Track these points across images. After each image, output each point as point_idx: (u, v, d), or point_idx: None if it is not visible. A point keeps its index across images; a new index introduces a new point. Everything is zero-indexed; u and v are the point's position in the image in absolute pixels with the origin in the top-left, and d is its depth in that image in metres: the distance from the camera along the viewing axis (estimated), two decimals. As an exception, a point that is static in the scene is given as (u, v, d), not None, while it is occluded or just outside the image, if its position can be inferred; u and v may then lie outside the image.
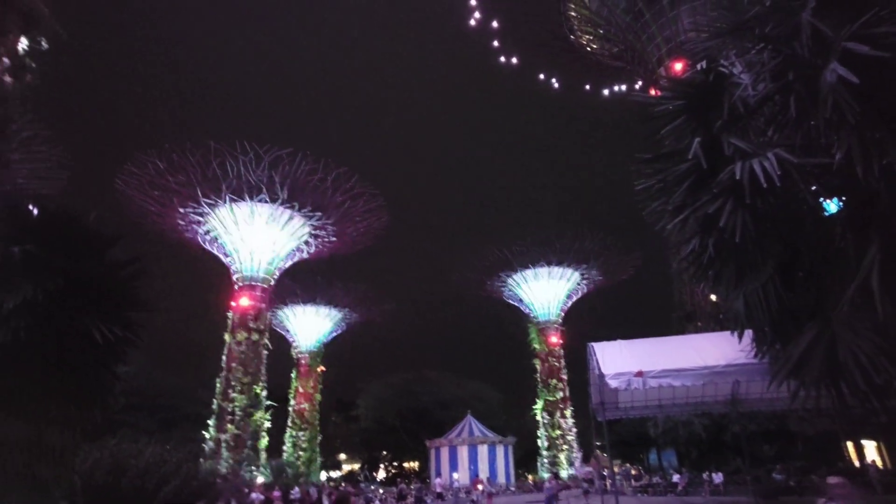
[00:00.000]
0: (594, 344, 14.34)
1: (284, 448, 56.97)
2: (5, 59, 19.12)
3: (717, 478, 34.51)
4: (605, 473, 38.10)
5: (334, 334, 63.22)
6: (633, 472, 50.35)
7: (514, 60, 58.41)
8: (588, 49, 59.39)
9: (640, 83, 59.43)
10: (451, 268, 61.97)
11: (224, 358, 43.82)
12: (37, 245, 9.70)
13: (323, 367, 62.64)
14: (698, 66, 8.42)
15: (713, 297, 53.76)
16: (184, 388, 61.05)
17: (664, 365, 12.15)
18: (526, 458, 63.33)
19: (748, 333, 8.62)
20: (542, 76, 60.73)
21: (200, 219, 45.34)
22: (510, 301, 63.21)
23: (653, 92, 45.46)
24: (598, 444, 45.25)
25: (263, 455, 43.45)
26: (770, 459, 36.75)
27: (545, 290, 60.05)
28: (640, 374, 12.13)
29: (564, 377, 58.50)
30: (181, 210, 44.82)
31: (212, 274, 50.22)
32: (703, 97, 7.95)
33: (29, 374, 9.60)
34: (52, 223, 10.24)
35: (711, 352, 12.13)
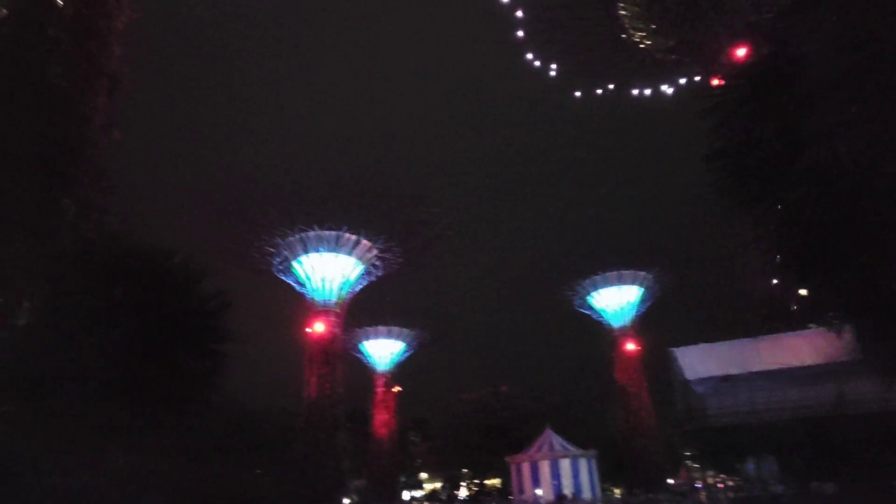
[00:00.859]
0: (676, 349, 13.73)
1: (365, 469, 57.92)
2: (99, 118, 21.08)
3: (829, 488, 31.63)
4: (697, 485, 36.00)
5: (407, 354, 64.02)
6: (729, 482, 47.33)
7: (554, 69, 57.71)
8: (641, 47, 57.90)
9: (698, 76, 57.18)
10: (520, 279, 61.39)
11: (303, 382, 45.34)
12: (133, 286, 10.52)
13: (399, 387, 63.47)
14: (763, 50, 8.00)
15: (803, 292, 50.16)
16: (269, 412, 63.56)
17: (755, 367, 11.44)
18: (610, 471, 61.00)
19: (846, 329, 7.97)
20: (592, 87, 59.67)
21: (273, 249, 47.53)
22: (582, 310, 61.75)
23: (714, 82, 43.52)
24: (687, 454, 42.95)
25: (346, 477, 44.35)
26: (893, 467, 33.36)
27: (616, 297, 58.23)
28: (728, 378, 11.47)
29: (645, 385, 56.20)
30: (255, 243, 47.19)
31: (288, 302, 52.33)
32: (771, 81, 7.55)
33: (133, 407, 10.35)
34: (145, 264, 11.07)
35: (807, 351, 11.31)
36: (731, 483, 47.29)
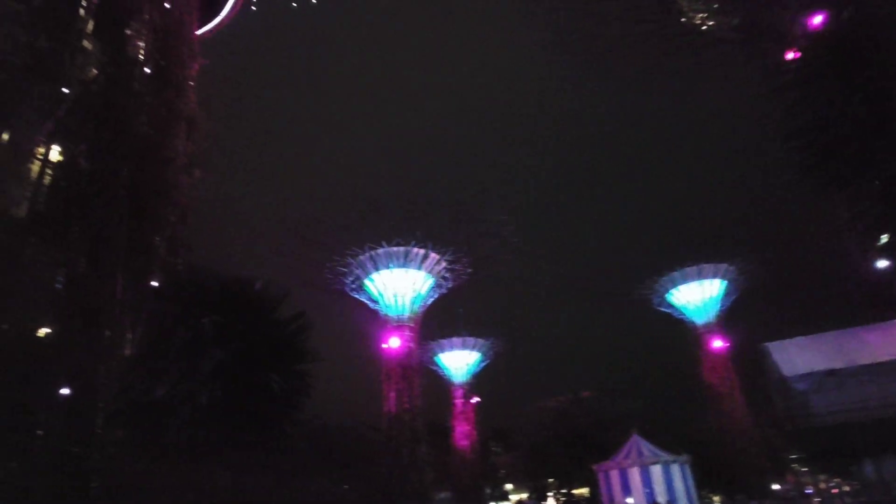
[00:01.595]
0: (770, 344, 12.82)
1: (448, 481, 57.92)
2: (180, 160, 22.75)
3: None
4: (807, 491, 33.20)
5: (483, 364, 63.76)
6: (845, 487, 43.42)
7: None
8: (703, 29, 55.33)
9: (769, 53, 53.70)
10: (594, 281, 59.79)
11: (382, 397, 46.16)
12: (220, 314, 11.15)
13: (477, 398, 63.26)
14: (843, 15, 7.39)
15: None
16: (352, 428, 65.16)
17: (864, 359, 10.46)
18: (705, 477, 57.62)
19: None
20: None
21: (345, 269, 48.97)
22: (662, 309, 59.16)
23: (789, 56, 40.76)
24: (792, 456, 39.76)
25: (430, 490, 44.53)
26: None
27: (698, 292, 55.38)
28: (833, 372, 10.57)
29: (737, 384, 52.86)
30: (328, 265, 48.82)
31: (363, 319, 53.59)
32: (853, 47, 6.96)
33: (227, 428, 10.93)
34: (229, 293, 11.72)
35: (923, 338, 10.20)
36: (847, 488, 43.35)
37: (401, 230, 46.30)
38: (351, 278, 50.30)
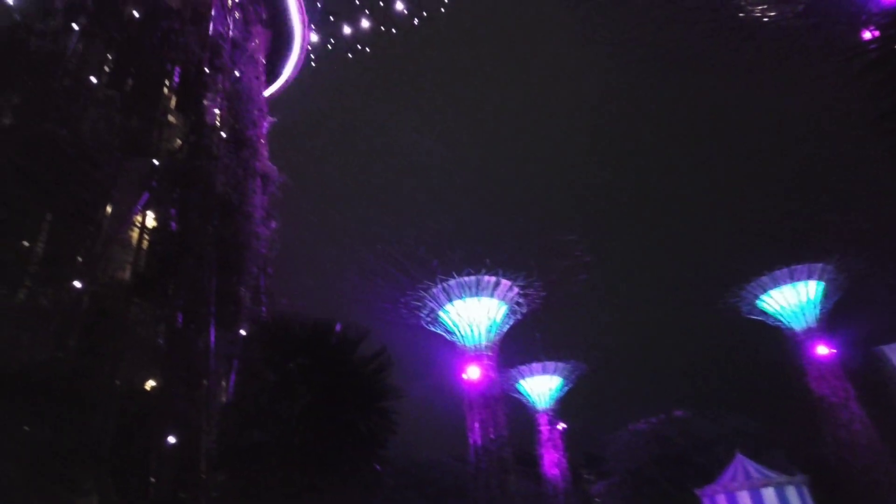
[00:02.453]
0: (886, 347, 11.63)
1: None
2: (258, 213, 24.29)
3: None
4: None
5: (567, 388, 62.03)
6: None
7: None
8: (765, 20, 52.87)
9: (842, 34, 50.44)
10: (675, 293, 57.12)
11: (467, 428, 45.85)
12: (305, 358, 11.65)
13: (564, 424, 61.41)
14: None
15: None
16: (439, 462, 64.92)
17: None
18: (827, 499, 52.45)
19: None
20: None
21: (419, 303, 49.66)
22: (753, 317, 55.42)
23: (867, 35, 38.05)
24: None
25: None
26: None
27: (792, 296, 51.49)
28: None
29: (852, 393, 48.19)
30: (402, 299, 49.72)
31: (441, 351, 53.87)
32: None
33: (319, 468, 11.27)
34: (312, 337, 12.25)
35: None
36: None
37: (471, 260, 46.59)
38: (426, 311, 50.86)
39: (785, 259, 50.50)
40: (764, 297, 53.11)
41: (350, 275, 49.78)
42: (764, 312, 54.25)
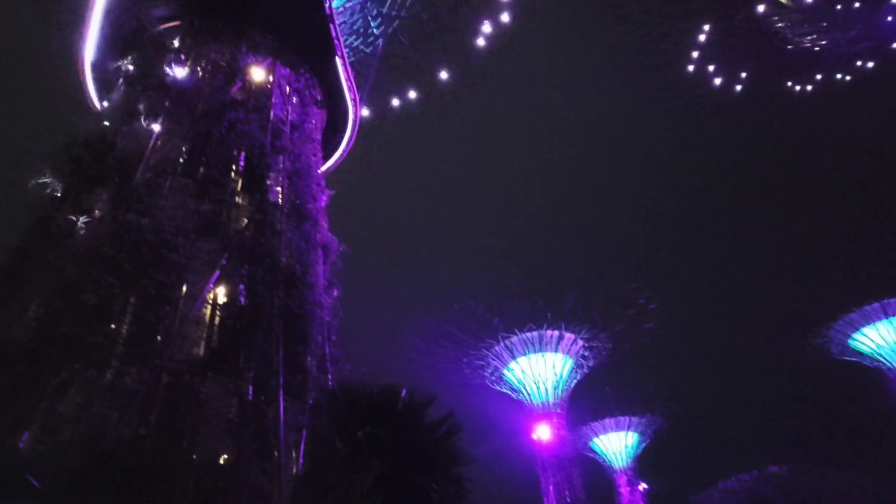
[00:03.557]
0: None
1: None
2: (321, 282, 25.13)
3: None
4: None
5: (644, 445, 58.39)
6: None
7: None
8: (815, 50, 51.68)
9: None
10: (754, 335, 53.77)
11: (542, 491, 43.63)
12: (373, 425, 11.63)
13: (644, 484, 57.40)
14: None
15: None
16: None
17: None
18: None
19: None
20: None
21: (482, 362, 48.92)
22: (845, 358, 51.01)
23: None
24: None
25: None
26: None
27: (887, 332, 47.24)
28: None
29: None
30: (465, 359, 49.19)
31: (508, 410, 52.36)
32: None
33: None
34: (379, 404, 12.26)
35: None
36: None
37: (532, 314, 45.98)
38: (489, 370, 50.06)
39: (873, 293, 46.82)
40: (856, 335, 49.01)
41: (412, 338, 50.02)
42: (858, 353, 49.90)
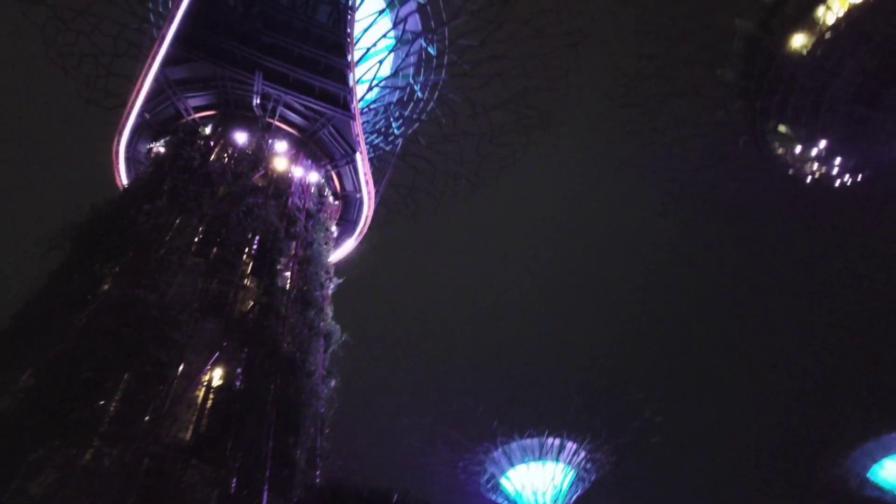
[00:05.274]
0: None
1: None
2: (319, 371, 24.59)
3: None
4: None
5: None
6: None
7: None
8: (817, 176, 53.64)
9: None
10: (764, 462, 51.13)
11: None
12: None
13: None
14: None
15: None
16: None
17: None
18: None
19: None
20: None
21: (478, 467, 46.43)
22: (865, 493, 47.88)
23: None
24: None
25: None
26: None
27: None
28: None
29: None
30: (460, 463, 46.74)
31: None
32: None
33: None
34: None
35: None
36: None
37: (534, 420, 44.36)
38: (485, 477, 47.46)
39: (892, 422, 44.96)
40: (876, 467, 46.37)
41: (408, 436, 47.99)
42: (879, 487, 46.96)
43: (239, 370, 22.11)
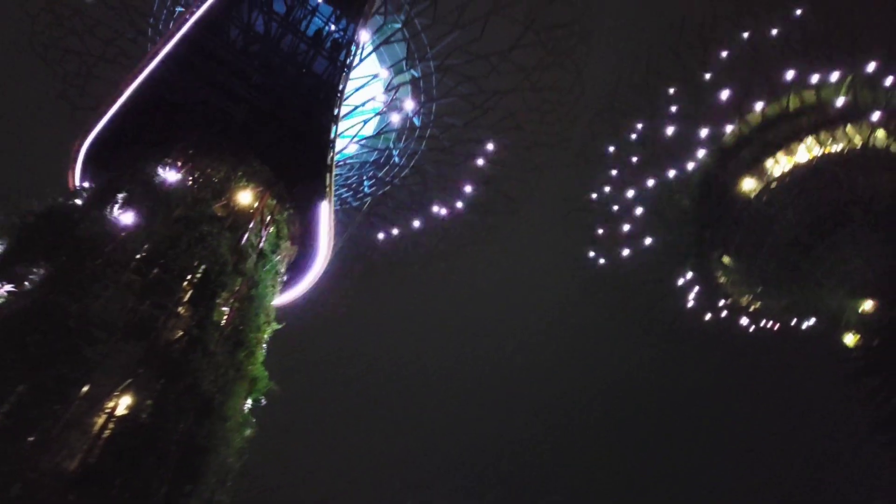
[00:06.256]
0: None
1: None
2: (237, 417, 23.09)
3: None
4: None
5: None
6: None
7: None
8: (751, 310, 56.78)
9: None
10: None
11: None
12: None
13: None
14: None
15: None
16: None
17: None
18: None
19: None
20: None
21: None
22: None
23: (849, 341, 40.08)
24: None
25: None
26: None
27: None
28: None
29: None
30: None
31: None
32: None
33: None
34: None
35: None
36: None
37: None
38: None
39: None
40: None
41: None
42: None
43: (149, 401, 20.53)
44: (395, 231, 50.12)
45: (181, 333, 23.44)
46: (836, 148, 47.72)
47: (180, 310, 23.83)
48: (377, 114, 42.29)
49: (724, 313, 56.99)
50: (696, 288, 56.60)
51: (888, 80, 45.58)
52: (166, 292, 23.14)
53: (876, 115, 45.44)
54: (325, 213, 33.64)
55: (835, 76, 46.21)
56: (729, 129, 50.79)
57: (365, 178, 45.42)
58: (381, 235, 50.10)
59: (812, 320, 54.02)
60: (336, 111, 33.58)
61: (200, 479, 20.66)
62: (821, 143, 47.85)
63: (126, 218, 24.39)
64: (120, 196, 25.16)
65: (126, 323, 21.13)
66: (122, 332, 20.75)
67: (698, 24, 47.65)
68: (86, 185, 29.34)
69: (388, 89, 41.15)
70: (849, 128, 47.19)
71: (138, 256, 23.97)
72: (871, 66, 44.84)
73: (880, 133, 46.60)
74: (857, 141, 47.08)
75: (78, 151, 29.83)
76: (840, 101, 46.56)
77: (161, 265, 23.78)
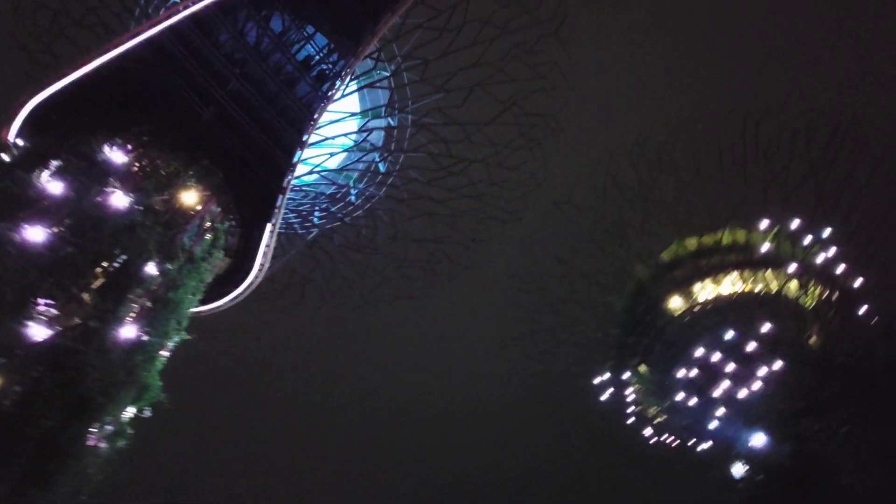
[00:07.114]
0: None
1: None
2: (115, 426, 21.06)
3: None
4: None
5: None
6: None
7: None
8: (656, 422, 58.48)
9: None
10: None
11: None
12: None
13: None
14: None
15: None
16: None
17: None
18: None
19: None
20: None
21: None
22: None
23: (737, 471, 41.57)
24: None
25: None
26: None
27: None
28: None
29: None
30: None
31: None
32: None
33: None
34: None
35: None
36: None
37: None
38: None
39: None
40: None
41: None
42: None
43: (17, 388, 18.50)
44: (333, 268, 49.26)
45: (78, 321, 21.59)
46: (756, 288, 51.50)
47: (85, 296, 22.05)
48: (346, 150, 42.40)
49: (631, 419, 58.35)
50: (611, 389, 57.95)
51: (807, 239, 50.34)
52: (74, 274, 21.43)
53: (792, 267, 49.61)
54: (268, 234, 32.69)
55: (764, 224, 50.57)
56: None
57: (317, 208, 44.82)
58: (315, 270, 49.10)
59: (708, 444, 56.07)
60: (306, 137, 33.40)
61: (49, 486, 18.47)
62: (744, 280, 51.53)
63: (54, 187, 22.80)
64: (54, 163, 23.58)
65: (17, 297, 19.28)
66: (10, 305, 18.86)
67: (659, 147, 51.38)
68: (20, 142, 27.36)
69: (361, 130, 41.56)
70: (769, 272, 51.22)
71: (55, 230, 22.25)
72: (794, 223, 49.53)
73: (793, 284, 50.79)
74: (774, 286, 51.09)
75: (22, 105, 27.95)
76: (765, 247, 50.73)
77: (77, 245, 22.13)
